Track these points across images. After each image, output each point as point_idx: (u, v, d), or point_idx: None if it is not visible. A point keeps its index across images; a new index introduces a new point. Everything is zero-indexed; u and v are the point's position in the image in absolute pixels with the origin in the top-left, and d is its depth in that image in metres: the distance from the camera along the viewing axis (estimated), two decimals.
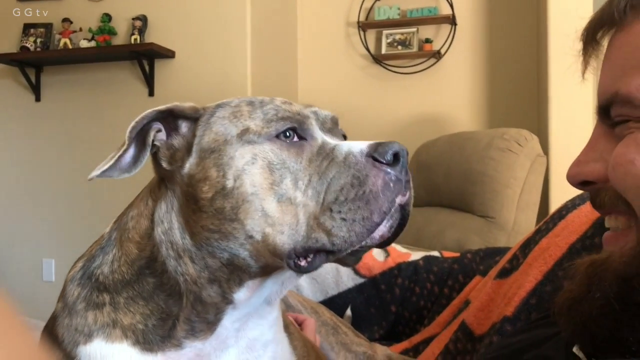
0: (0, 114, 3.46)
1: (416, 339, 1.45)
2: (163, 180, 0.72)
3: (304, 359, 0.85)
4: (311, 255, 0.63)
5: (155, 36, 3.13)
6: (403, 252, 1.62)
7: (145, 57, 3.10)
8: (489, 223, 2.46)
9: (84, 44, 3.15)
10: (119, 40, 3.20)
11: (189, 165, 0.68)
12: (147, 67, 3.13)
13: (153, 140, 0.69)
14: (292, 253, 0.63)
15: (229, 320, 0.70)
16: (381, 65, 3.58)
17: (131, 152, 0.69)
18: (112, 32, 3.18)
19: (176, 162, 0.69)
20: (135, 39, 3.07)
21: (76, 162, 3.27)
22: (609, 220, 0.57)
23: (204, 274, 0.67)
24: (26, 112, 3.40)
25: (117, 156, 0.66)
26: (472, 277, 1.42)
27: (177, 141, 0.70)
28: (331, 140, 0.69)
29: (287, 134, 0.67)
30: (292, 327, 0.85)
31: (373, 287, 1.55)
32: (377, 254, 1.60)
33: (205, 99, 2.80)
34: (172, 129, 0.71)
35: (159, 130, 0.70)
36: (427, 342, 1.42)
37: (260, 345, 0.74)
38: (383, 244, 0.65)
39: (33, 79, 3.35)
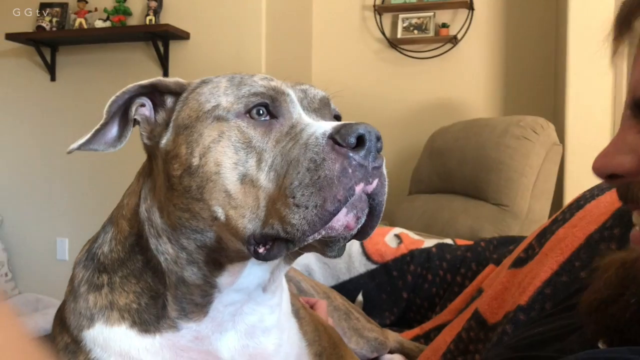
0: (16, 93, 3.47)
1: (427, 325, 1.44)
2: (150, 158, 0.72)
3: (314, 343, 0.84)
4: (270, 243, 0.59)
5: (170, 17, 3.11)
6: (416, 239, 1.61)
7: (160, 38, 3.08)
8: (503, 211, 2.44)
9: (99, 24, 3.15)
10: (134, 20, 3.19)
11: (165, 140, 0.67)
12: (161, 49, 3.12)
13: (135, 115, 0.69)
14: (252, 238, 0.60)
15: (220, 304, 0.68)
16: (397, 49, 3.54)
17: (115, 126, 0.69)
18: (127, 13, 3.17)
19: (154, 138, 0.68)
20: (150, 20, 3.05)
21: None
22: (638, 216, 0.55)
23: (182, 254, 0.65)
24: (41, 91, 3.41)
25: (94, 130, 0.67)
26: (485, 265, 1.41)
27: (159, 116, 0.70)
28: (308, 120, 0.64)
29: (259, 111, 0.64)
30: (303, 312, 0.85)
31: (385, 273, 1.54)
32: (389, 240, 1.60)
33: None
34: (158, 104, 0.71)
35: (142, 105, 0.70)
36: (438, 329, 1.42)
37: (261, 331, 0.73)
38: (357, 236, 0.61)
39: (48, 59, 3.35)
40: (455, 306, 1.39)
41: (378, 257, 1.55)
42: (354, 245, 1.56)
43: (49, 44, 3.32)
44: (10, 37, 3.22)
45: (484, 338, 1.04)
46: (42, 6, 3.29)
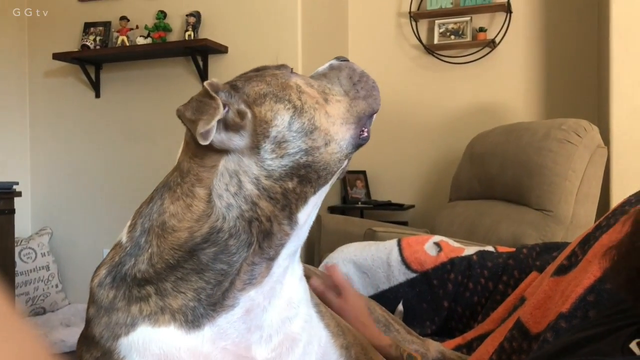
0: (63, 109, 3.59)
1: (470, 335, 1.42)
2: (192, 172, 0.74)
3: (339, 337, 0.87)
4: (364, 126, 0.82)
5: (208, 32, 3.18)
6: (456, 247, 1.59)
7: (199, 52, 3.15)
8: (546, 217, 2.39)
9: (140, 41, 3.23)
10: (173, 36, 3.27)
11: (251, 115, 0.74)
12: (200, 63, 3.18)
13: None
14: (358, 127, 0.80)
15: (283, 256, 0.76)
16: (434, 55, 3.52)
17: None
18: (167, 29, 3.24)
19: (239, 119, 0.74)
20: (189, 35, 3.12)
21: (134, 156, 3.37)
22: None
23: (279, 205, 0.74)
24: (87, 108, 3.52)
25: (218, 113, 0.69)
26: (527, 273, 1.39)
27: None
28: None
29: (292, 72, 0.82)
30: (324, 308, 0.89)
31: (425, 282, 1.53)
32: (429, 248, 1.58)
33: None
34: None
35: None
36: (481, 338, 1.40)
37: (297, 301, 0.81)
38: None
39: (93, 76, 3.46)
40: (498, 315, 1.37)
41: (418, 265, 1.54)
42: (392, 254, 1.56)
43: (93, 62, 3.42)
44: (56, 56, 3.34)
45: (527, 348, 1.02)
46: (87, 26, 3.41)
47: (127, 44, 3.26)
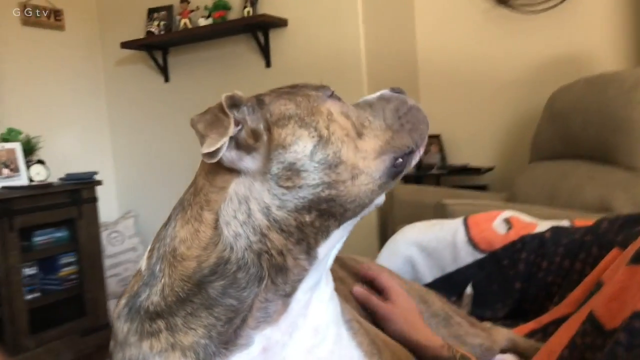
0: (136, 96, 3.70)
1: (545, 319, 1.32)
2: (203, 191, 0.70)
3: (373, 356, 0.80)
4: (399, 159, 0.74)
5: (267, 7, 3.12)
6: (528, 223, 1.48)
7: (259, 28, 3.11)
8: (638, 176, 2.18)
9: (202, 22, 3.24)
10: (233, 14, 3.24)
11: (266, 138, 0.68)
12: (262, 39, 3.15)
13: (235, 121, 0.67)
14: (393, 160, 0.72)
15: (302, 290, 0.70)
16: (506, 5, 3.27)
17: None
18: (226, 7, 3.22)
19: (252, 140, 0.68)
20: (248, 12, 3.08)
21: None
22: None
23: (292, 238, 0.67)
24: (158, 93, 3.60)
25: (229, 131, 0.64)
26: (608, 249, 1.25)
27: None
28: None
29: (333, 95, 0.75)
30: (355, 324, 0.81)
31: (494, 263, 1.43)
32: (498, 226, 1.48)
33: (321, 64, 2.79)
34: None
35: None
36: (557, 323, 1.29)
37: (325, 324, 0.74)
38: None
39: (161, 61, 3.52)
40: (576, 297, 1.26)
41: (485, 245, 1.44)
42: (458, 234, 1.47)
43: (159, 47, 3.48)
44: (124, 45, 3.42)
45: (601, 345, 0.92)
46: (150, 11, 3.45)
47: (190, 26, 3.28)
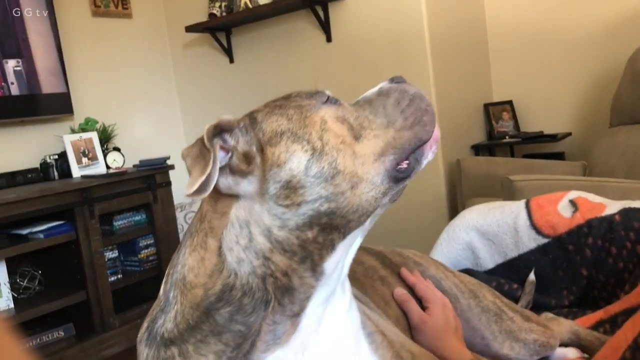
0: (203, 78, 3.76)
1: (613, 308, 1.25)
2: (207, 218, 0.69)
3: None
4: (404, 162, 0.69)
5: None
6: (596, 203, 1.38)
7: (318, 3, 3.06)
8: None
9: (261, 0, 3.22)
10: None
11: (259, 160, 0.66)
12: (321, 13, 3.10)
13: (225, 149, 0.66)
14: (397, 159, 0.68)
15: (312, 307, 0.68)
16: None
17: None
18: None
19: (245, 165, 0.66)
20: None
21: None
22: None
23: (296, 257, 0.65)
24: (224, 74, 3.64)
25: (210, 169, 0.62)
26: None
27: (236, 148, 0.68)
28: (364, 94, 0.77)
29: (329, 101, 0.71)
30: (378, 336, 0.77)
31: (559, 248, 1.36)
32: (563, 208, 1.39)
33: (382, 37, 2.73)
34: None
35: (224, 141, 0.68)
36: (627, 313, 1.21)
37: (342, 337, 0.72)
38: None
39: (224, 43, 3.55)
40: None
41: (549, 229, 1.37)
42: (520, 218, 1.40)
43: (222, 28, 3.50)
44: (189, 29, 3.47)
45: None
46: None
47: (250, 6, 3.27)
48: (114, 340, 2.81)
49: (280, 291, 0.66)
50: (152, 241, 3.11)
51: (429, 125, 0.71)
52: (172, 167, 3.16)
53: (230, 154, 0.66)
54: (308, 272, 0.66)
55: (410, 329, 0.94)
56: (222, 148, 0.66)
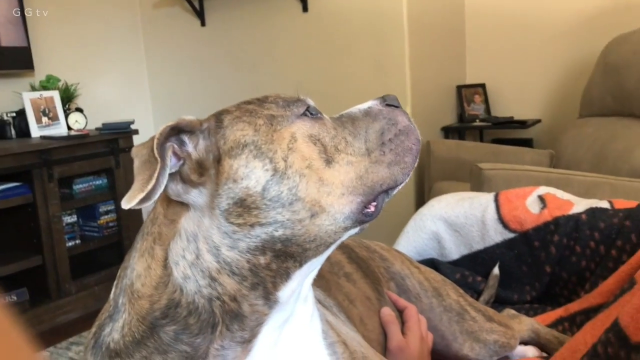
0: (172, 40, 3.64)
1: (573, 307, 1.26)
2: (158, 222, 0.64)
3: None
4: (375, 200, 0.64)
5: None
6: (564, 201, 1.39)
7: None
8: None
9: None
10: None
11: (214, 171, 0.60)
12: None
13: (178, 155, 0.60)
14: (365, 201, 0.63)
15: (266, 333, 0.63)
16: None
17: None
18: None
19: (196, 176, 0.61)
20: None
21: (239, 83, 3.36)
22: None
23: (246, 283, 0.60)
24: (194, 37, 3.53)
25: (154, 179, 0.56)
26: None
27: (192, 154, 0.62)
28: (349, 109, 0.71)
29: (307, 113, 0.65)
30: (339, 347, 0.72)
31: (524, 244, 1.36)
32: (531, 204, 1.39)
33: (360, 13, 2.68)
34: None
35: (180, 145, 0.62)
36: (585, 313, 1.23)
37: (299, 356, 0.67)
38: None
39: (197, 5, 3.44)
40: (608, 287, 1.19)
41: (516, 224, 1.37)
42: (488, 211, 1.39)
43: None
44: None
45: (624, 358, 0.86)
46: None
47: None
48: (69, 307, 2.75)
49: (229, 316, 0.61)
50: (112, 207, 3.04)
51: (409, 167, 0.66)
52: (136, 131, 3.07)
53: (182, 162, 0.60)
54: (260, 300, 0.61)
55: (385, 350, 0.92)
56: (175, 154, 0.60)
